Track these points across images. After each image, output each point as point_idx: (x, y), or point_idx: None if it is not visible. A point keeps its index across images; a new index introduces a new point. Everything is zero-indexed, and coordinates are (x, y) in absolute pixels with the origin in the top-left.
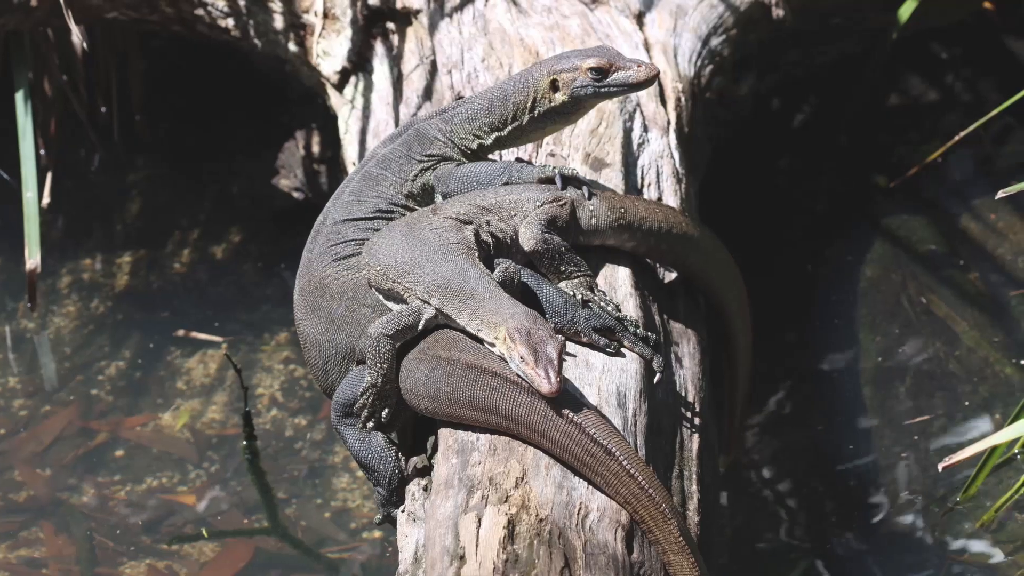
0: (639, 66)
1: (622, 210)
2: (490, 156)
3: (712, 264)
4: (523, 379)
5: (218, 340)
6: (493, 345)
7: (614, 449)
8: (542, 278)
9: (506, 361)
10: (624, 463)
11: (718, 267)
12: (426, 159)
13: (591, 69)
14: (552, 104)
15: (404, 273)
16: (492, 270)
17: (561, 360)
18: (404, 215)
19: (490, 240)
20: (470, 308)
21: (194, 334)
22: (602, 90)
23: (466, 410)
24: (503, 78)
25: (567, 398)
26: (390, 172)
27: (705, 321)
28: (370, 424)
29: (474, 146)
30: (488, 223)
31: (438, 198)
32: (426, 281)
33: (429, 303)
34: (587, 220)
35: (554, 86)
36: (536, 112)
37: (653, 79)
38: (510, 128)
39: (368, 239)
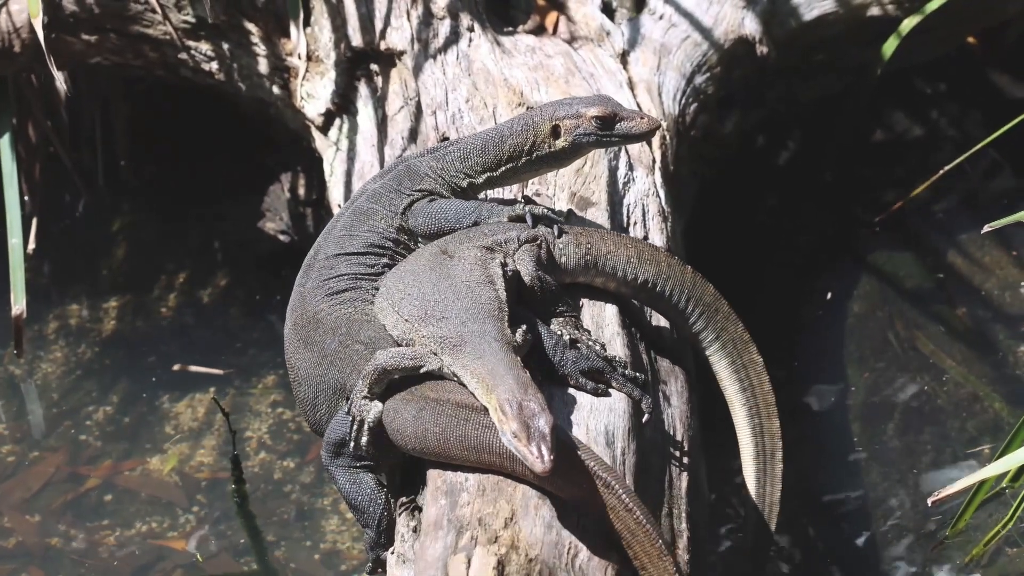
0: (642, 118)
1: (588, 245)
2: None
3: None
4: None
5: (218, 372)
6: (486, 410)
7: (613, 483)
8: (533, 318)
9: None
10: (623, 497)
11: (707, 313)
12: (415, 194)
13: (595, 118)
14: (551, 149)
15: (428, 324)
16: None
17: (554, 435)
18: (396, 249)
19: (510, 281)
20: (472, 368)
21: (192, 368)
22: (603, 139)
23: (456, 450)
24: (487, 118)
25: (562, 434)
26: (380, 206)
27: (693, 355)
28: (361, 463)
29: (464, 184)
30: (504, 263)
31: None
32: (442, 335)
33: (440, 356)
34: (558, 258)
35: (555, 132)
36: (534, 155)
37: (655, 131)
38: (504, 169)
39: (366, 276)
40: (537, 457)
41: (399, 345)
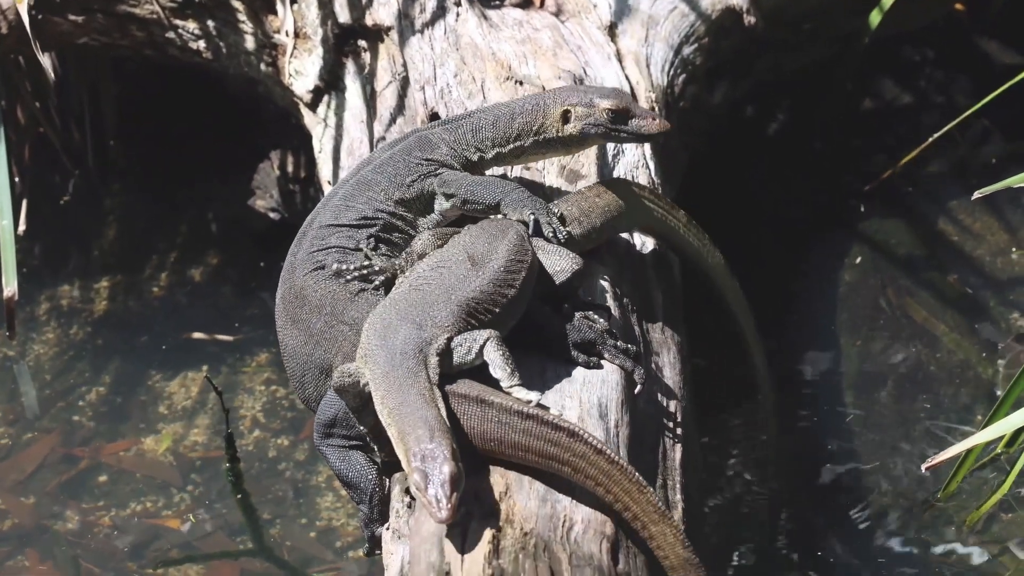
0: (653, 119)
1: (589, 225)
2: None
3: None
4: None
5: (228, 339)
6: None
7: (605, 448)
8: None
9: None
10: (615, 459)
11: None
12: (426, 163)
13: (608, 110)
14: (559, 133)
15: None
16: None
17: (457, 481)
18: (391, 221)
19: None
20: (390, 402)
21: (196, 335)
22: (612, 133)
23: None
24: (476, 92)
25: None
26: (384, 177)
27: (685, 325)
28: (351, 441)
29: (474, 158)
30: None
31: (439, 204)
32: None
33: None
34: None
35: (565, 117)
36: (541, 137)
37: (663, 135)
38: (511, 146)
39: (354, 250)
40: (435, 506)
41: None
